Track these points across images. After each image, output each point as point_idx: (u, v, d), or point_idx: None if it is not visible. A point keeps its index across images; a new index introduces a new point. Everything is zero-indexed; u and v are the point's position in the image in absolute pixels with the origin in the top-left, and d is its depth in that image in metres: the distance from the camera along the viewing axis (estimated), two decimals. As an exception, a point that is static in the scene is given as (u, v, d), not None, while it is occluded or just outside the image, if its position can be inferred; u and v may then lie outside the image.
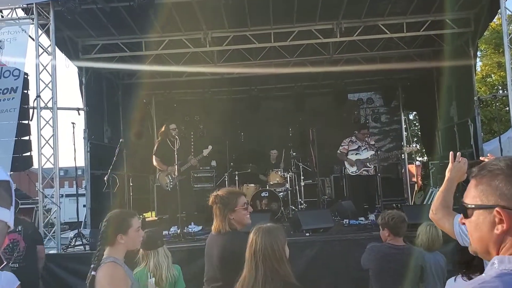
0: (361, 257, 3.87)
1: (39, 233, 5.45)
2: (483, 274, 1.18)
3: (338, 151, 8.72)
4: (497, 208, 1.21)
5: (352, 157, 8.49)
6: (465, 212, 1.32)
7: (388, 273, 3.44)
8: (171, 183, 7.98)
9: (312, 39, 9.00)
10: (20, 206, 10.41)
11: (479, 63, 19.76)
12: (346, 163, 8.59)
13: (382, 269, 3.49)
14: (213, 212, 3.26)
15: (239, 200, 3.27)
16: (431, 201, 9.42)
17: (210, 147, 8.16)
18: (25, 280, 4.39)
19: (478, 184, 1.29)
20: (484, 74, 20.29)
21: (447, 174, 2.46)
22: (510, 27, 9.81)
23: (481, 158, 2.75)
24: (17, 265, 4.36)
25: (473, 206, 1.29)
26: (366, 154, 8.46)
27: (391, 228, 3.61)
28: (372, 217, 7.81)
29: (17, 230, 4.46)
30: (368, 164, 8.39)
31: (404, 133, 13.19)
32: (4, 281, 2.64)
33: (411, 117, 19.44)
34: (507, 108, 18.72)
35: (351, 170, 8.50)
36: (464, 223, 1.38)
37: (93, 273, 2.67)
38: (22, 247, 4.41)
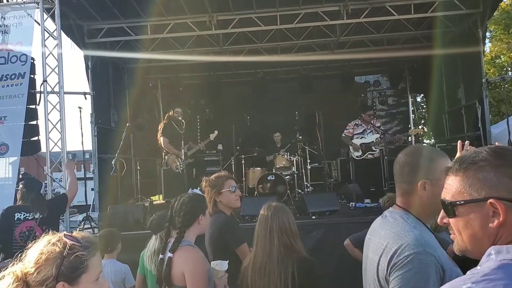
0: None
1: (56, 200, 5.19)
2: (477, 267, 1.11)
3: (343, 135, 8.66)
4: (490, 200, 1.15)
5: (357, 141, 8.44)
6: (450, 210, 1.25)
7: None
8: (182, 165, 8.03)
9: (318, 21, 8.92)
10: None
11: (488, 44, 19.51)
12: (350, 147, 8.56)
13: None
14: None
15: (226, 183, 3.39)
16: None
17: (216, 131, 8.20)
18: None
19: (463, 178, 1.22)
20: (493, 55, 20.04)
21: None
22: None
23: None
24: None
25: (462, 202, 1.21)
26: (372, 137, 8.39)
27: None
28: (381, 200, 7.80)
29: (35, 217, 4.49)
30: (373, 147, 8.33)
31: (411, 116, 13.13)
32: None
33: (418, 99, 19.30)
34: (516, 90, 18.57)
35: (356, 154, 8.48)
36: (446, 223, 1.30)
37: (169, 254, 2.57)
38: (39, 234, 4.45)
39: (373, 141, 8.34)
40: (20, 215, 4.49)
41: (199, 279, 2.54)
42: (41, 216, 4.46)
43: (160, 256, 2.68)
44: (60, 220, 5.10)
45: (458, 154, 2.46)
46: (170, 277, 2.54)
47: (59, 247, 1.50)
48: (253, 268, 2.67)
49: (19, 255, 1.49)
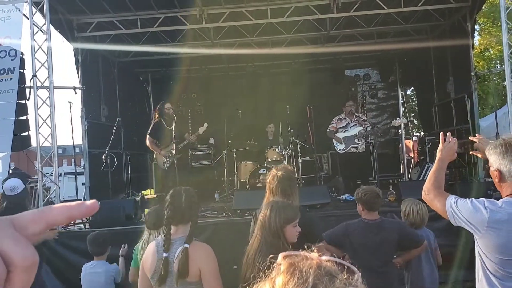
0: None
1: (23, 205, 4.82)
2: None
3: (328, 129, 8.76)
4: None
5: (340, 134, 8.53)
6: None
7: (365, 247, 3.47)
8: (168, 161, 8.04)
9: (309, 15, 8.92)
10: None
11: (477, 37, 19.66)
12: (334, 141, 8.65)
13: (359, 244, 3.51)
14: (272, 191, 3.28)
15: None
16: (427, 177, 9.55)
17: (205, 124, 8.18)
18: None
19: None
20: (482, 48, 20.19)
21: (438, 154, 2.49)
22: (508, 1, 9.73)
23: (470, 138, 2.79)
24: None
25: None
26: (354, 130, 8.49)
27: (364, 203, 3.62)
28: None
29: None
30: (356, 140, 8.41)
31: (401, 109, 13.20)
32: None
33: (408, 92, 19.42)
34: (505, 83, 18.74)
35: (339, 147, 8.59)
36: None
37: (186, 245, 2.56)
38: None
39: (355, 134, 8.41)
40: None
41: (218, 276, 2.60)
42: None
43: (164, 254, 2.60)
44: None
45: (440, 146, 2.51)
46: (188, 269, 2.53)
47: None
48: (246, 261, 2.68)
49: None
